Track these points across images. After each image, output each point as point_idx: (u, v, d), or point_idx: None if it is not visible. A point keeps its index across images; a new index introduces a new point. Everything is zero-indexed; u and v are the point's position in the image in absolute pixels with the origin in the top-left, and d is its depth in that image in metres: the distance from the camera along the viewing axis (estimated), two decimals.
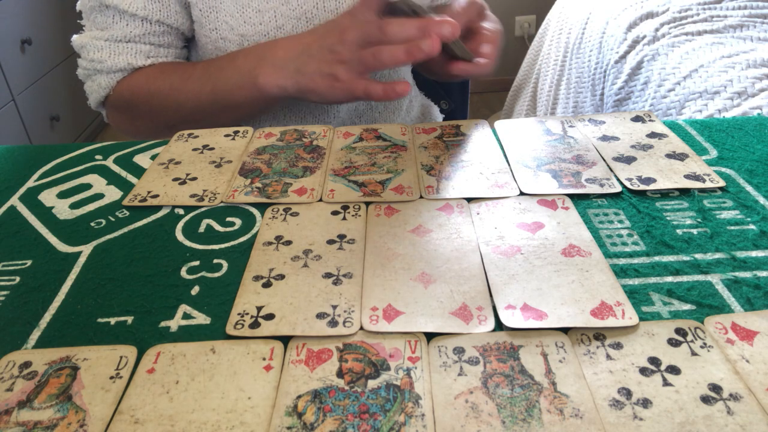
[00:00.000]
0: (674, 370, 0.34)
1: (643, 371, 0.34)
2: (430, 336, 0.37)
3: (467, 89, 0.98)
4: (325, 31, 0.61)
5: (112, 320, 0.40)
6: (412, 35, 0.56)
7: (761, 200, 0.49)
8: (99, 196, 0.55)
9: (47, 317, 0.41)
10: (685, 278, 0.41)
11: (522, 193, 0.51)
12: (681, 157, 0.55)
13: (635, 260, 0.43)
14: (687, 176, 0.52)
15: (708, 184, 0.51)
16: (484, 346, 0.36)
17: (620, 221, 0.47)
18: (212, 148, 0.60)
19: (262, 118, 0.77)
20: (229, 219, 0.50)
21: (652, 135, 0.59)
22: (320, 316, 0.39)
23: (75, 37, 0.72)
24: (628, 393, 0.33)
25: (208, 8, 0.69)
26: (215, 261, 0.45)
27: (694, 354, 0.35)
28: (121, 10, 0.68)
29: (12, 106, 2.00)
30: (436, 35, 0.55)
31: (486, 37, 0.64)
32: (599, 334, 0.37)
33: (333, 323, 0.38)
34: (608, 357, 0.35)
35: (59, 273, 0.45)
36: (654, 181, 0.51)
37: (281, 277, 0.43)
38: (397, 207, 0.50)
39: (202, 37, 0.71)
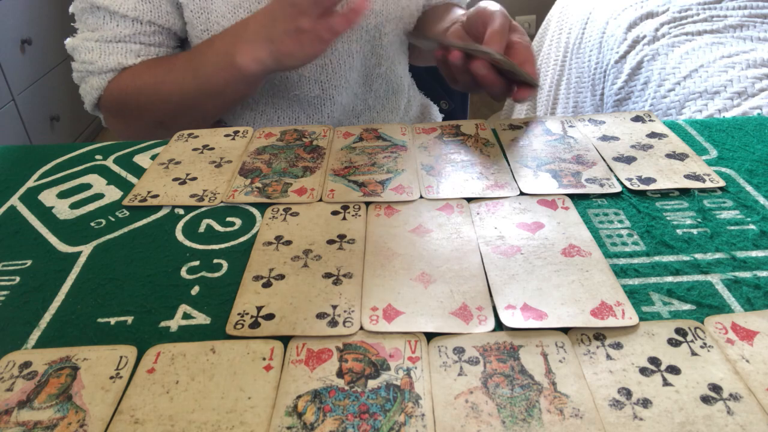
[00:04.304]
0: (674, 370, 0.34)
1: (643, 371, 0.34)
2: (430, 336, 0.37)
3: None
4: None
5: (112, 320, 0.40)
6: None
7: (761, 200, 0.49)
8: (99, 196, 0.55)
9: (47, 317, 0.41)
10: (685, 278, 0.41)
11: (522, 193, 0.51)
12: (681, 157, 0.55)
13: (635, 260, 0.43)
14: (687, 176, 0.52)
15: (708, 184, 0.51)
16: (484, 346, 0.36)
17: (620, 221, 0.47)
18: (212, 148, 0.60)
19: (256, 119, 0.76)
20: (229, 219, 0.50)
21: (652, 135, 0.59)
22: (320, 316, 0.39)
23: (68, 40, 0.72)
24: (628, 393, 0.33)
25: (200, 9, 0.68)
26: (215, 261, 0.45)
27: (694, 354, 0.35)
28: (111, 11, 0.67)
29: (12, 106, 1.99)
30: None
31: (527, 55, 0.60)
32: (599, 334, 0.37)
33: (333, 323, 0.38)
34: (608, 357, 0.35)
35: (59, 273, 0.45)
36: (654, 181, 0.51)
37: (281, 277, 0.43)
38: (397, 207, 0.50)
39: (194, 38, 0.71)
